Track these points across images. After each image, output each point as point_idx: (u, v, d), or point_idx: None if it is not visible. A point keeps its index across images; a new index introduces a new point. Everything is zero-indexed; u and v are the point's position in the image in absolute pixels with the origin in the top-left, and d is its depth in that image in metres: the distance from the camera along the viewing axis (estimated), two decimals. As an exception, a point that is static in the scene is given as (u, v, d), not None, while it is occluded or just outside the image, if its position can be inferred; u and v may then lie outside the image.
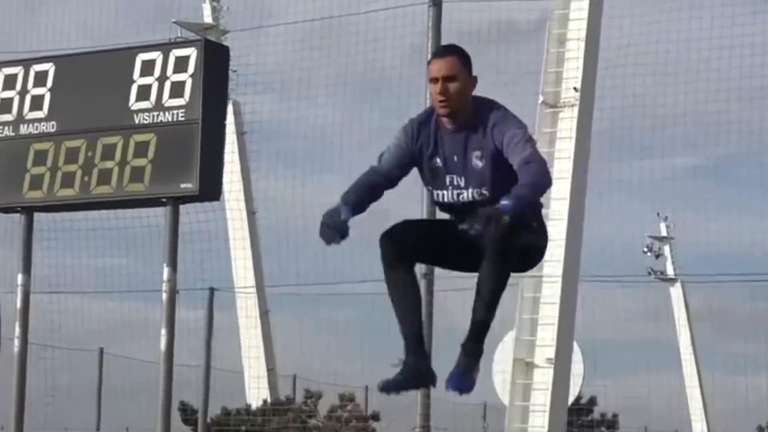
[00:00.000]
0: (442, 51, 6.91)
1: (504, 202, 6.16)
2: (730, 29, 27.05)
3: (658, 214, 40.83)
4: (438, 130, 6.73)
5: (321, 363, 27.49)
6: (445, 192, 6.74)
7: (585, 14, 25.47)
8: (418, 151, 6.75)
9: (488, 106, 6.73)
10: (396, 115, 25.98)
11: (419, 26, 17.88)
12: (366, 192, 6.76)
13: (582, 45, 25.50)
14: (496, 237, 6.16)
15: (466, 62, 6.73)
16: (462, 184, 6.66)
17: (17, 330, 16.88)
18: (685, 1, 24.96)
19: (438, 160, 6.72)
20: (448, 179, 6.70)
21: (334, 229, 6.54)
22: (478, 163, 6.61)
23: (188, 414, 27.45)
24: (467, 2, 23.99)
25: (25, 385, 17.38)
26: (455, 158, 6.66)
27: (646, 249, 40.77)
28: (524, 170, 6.39)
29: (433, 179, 6.77)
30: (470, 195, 6.64)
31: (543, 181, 6.46)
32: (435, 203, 6.94)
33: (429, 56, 17.06)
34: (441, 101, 6.61)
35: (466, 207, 6.54)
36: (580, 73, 25.32)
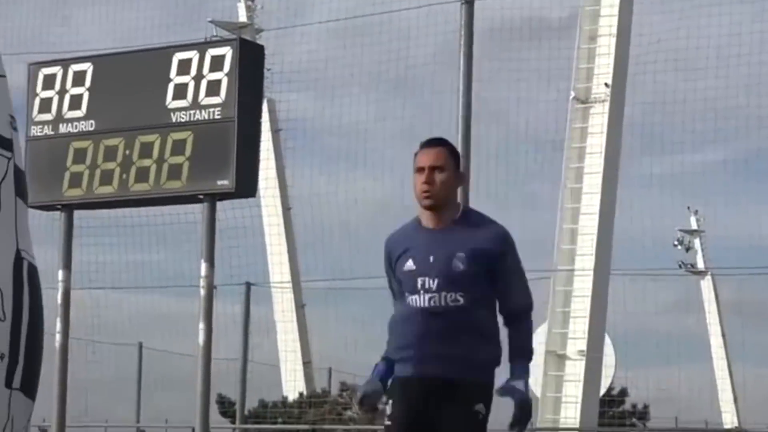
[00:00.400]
0: (430, 143, 6.37)
1: (522, 390, 6.17)
2: (761, 24, 27.01)
3: (688, 207, 40.79)
4: (416, 232, 6.31)
5: (356, 356, 27.45)
6: (416, 297, 6.18)
7: (616, 11, 25.44)
8: (395, 262, 6.32)
9: (489, 222, 6.33)
10: (428, 112, 26.06)
11: (452, 24, 17.81)
12: None
13: (613, 41, 25.44)
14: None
15: (453, 155, 6.37)
16: (434, 287, 6.14)
17: (58, 325, 16.99)
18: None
19: (410, 263, 6.23)
20: (419, 282, 6.18)
21: (367, 403, 6.36)
22: (460, 266, 6.14)
23: (226, 406, 27.55)
24: (499, 0, 24.05)
25: (66, 379, 17.48)
26: (431, 258, 6.18)
27: (676, 242, 40.72)
28: (525, 324, 6.28)
29: (404, 282, 6.27)
30: (442, 300, 6.13)
31: (533, 333, 6.36)
32: (403, 308, 6.28)
33: (461, 55, 17.16)
34: (425, 191, 6.20)
35: (436, 312, 6.13)
36: (611, 69, 25.30)
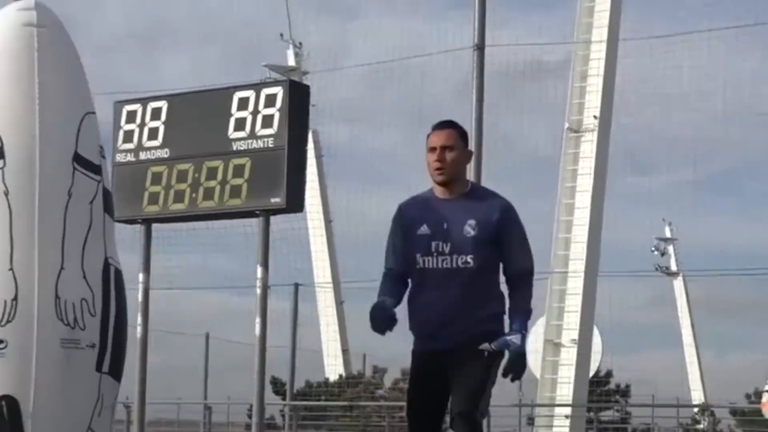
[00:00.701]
0: (441, 125, 5.99)
1: (517, 343, 5.67)
2: (725, 64, 26.92)
3: (663, 219, 40.97)
4: (429, 201, 5.93)
5: (386, 344, 27.38)
6: (429, 258, 5.80)
7: (603, 54, 25.41)
8: (408, 228, 5.90)
9: (495, 195, 5.98)
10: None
11: (466, 66, 17.76)
12: (396, 290, 5.96)
13: (600, 80, 25.43)
14: (513, 378, 5.77)
15: (462, 135, 6.00)
16: (447, 250, 5.77)
17: (139, 319, 16.98)
18: (687, 43, 24.79)
19: (425, 227, 5.83)
20: (433, 245, 5.79)
21: (383, 321, 5.83)
22: (471, 232, 5.76)
23: (278, 386, 27.51)
24: (505, 47, 24.00)
25: (146, 364, 17.45)
26: (445, 225, 5.80)
27: (653, 248, 40.70)
28: (525, 286, 5.85)
29: (418, 246, 5.84)
30: (454, 262, 5.76)
31: (532, 295, 5.91)
32: (420, 270, 5.84)
33: (474, 91, 17.12)
34: (438, 168, 5.84)
35: (449, 274, 5.76)
36: (599, 104, 25.27)
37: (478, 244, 5.74)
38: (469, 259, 5.74)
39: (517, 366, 5.71)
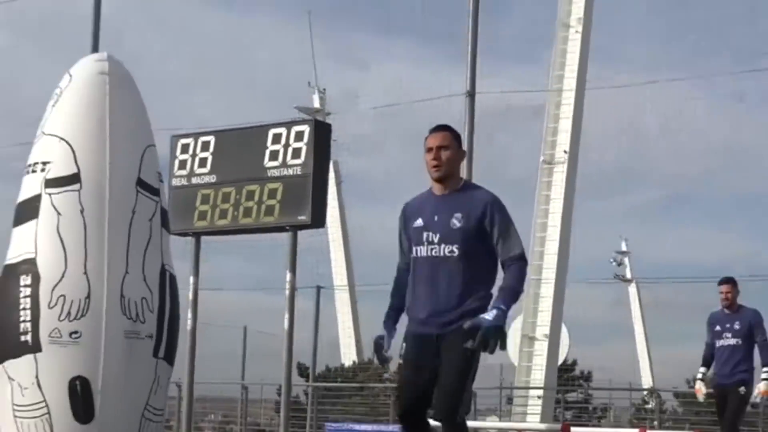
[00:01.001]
0: (437, 128, 5.54)
1: (488, 318, 5.09)
2: (674, 109, 26.97)
3: (620, 236, 40.93)
4: (428, 198, 5.47)
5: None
6: (421, 247, 5.34)
7: (572, 100, 25.42)
8: (407, 224, 5.47)
9: (483, 190, 5.50)
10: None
11: (460, 108, 17.78)
12: (402, 289, 5.52)
13: (569, 122, 25.45)
14: (489, 352, 5.15)
15: (456, 137, 5.54)
16: (435, 240, 5.29)
17: (189, 314, 17.00)
18: (641, 91, 24.82)
19: (420, 220, 5.37)
20: (425, 236, 5.33)
21: (380, 356, 5.53)
22: (456, 224, 5.27)
23: (302, 370, 27.38)
24: (492, 94, 24.00)
25: (195, 351, 17.45)
26: (436, 218, 5.34)
27: (612, 260, 40.59)
28: (513, 268, 5.27)
29: (413, 237, 5.39)
30: (441, 251, 5.27)
31: (522, 281, 5.33)
32: (414, 259, 5.39)
33: (465, 131, 17.09)
34: (434, 166, 5.39)
35: (437, 262, 5.28)
36: (568, 141, 25.27)
37: (463, 234, 5.26)
38: (454, 248, 5.25)
39: (490, 337, 5.09)
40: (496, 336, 5.09)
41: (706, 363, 10.53)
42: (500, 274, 5.36)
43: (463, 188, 5.45)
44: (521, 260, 5.30)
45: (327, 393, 24.44)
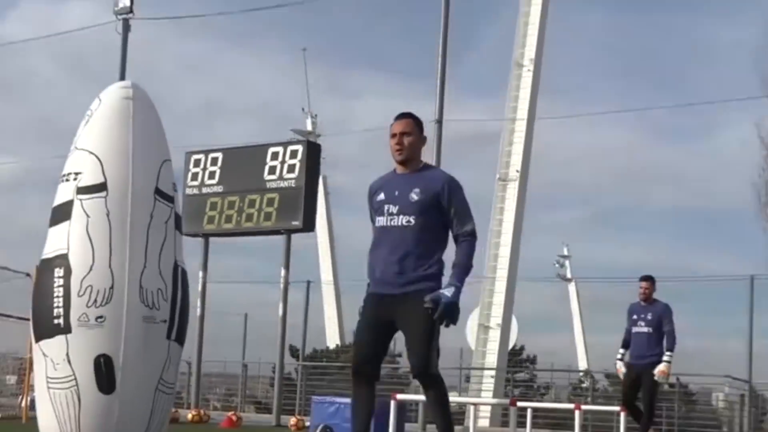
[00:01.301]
0: (401, 115, 5.25)
1: (447, 295, 4.86)
2: (610, 135, 27.05)
3: (562, 242, 41.19)
4: (391, 177, 5.22)
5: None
6: (381, 218, 5.10)
7: (524, 128, 25.51)
8: (372, 196, 5.21)
9: (441, 171, 5.33)
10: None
11: (429, 134, 17.82)
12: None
13: (521, 146, 25.54)
14: (446, 324, 4.92)
15: (418, 124, 5.24)
16: (395, 212, 5.05)
17: (198, 303, 16.98)
18: (581, 122, 24.95)
19: (382, 195, 5.13)
20: (386, 208, 5.08)
21: None
22: (414, 197, 5.03)
23: (294, 352, 27.28)
24: (456, 121, 24.10)
25: (203, 334, 17.40)
26: (396, 193, 5.09)
27: (555, 263, 40.83)
28: (465, 245, 5.03)
29: (376, 210, 5.13)
30: (399, 221, 5.02)
31: (472, 257, 5.06)
32: (376, 228, 5.15)
33: (434, 153, 17.13)
34: (397, 150, 5.14)
35: (394, 230, 5.03)
36: (520, 161, 25.35)
37: (419, 207, 5.01)
38: (411, 219, 5.01)
39: (449, 314, 4.88)
40: (453, 311, 4.90)
41: (625, 345, 10.77)
42: (452, 247, 5.13)
43: (423, 168, 5.21)
44: (472, 236, 5.06)
45: (314, 371, 24.40)
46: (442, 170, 5.33)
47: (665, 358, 10.24)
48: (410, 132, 5.15)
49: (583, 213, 56.90)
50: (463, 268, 4.99)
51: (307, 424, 14.49)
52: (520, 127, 25.33)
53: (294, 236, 16.62)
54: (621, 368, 10.66)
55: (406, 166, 5.17)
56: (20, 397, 14.72)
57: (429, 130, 18.22)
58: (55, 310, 6.07)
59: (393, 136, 5.16)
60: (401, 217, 5.04)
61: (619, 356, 10.74)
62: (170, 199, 6.52)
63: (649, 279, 10.65)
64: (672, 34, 51.29)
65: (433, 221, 5.03)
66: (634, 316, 10.57)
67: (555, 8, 26.25)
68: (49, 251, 6.25)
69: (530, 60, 25.51)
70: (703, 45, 51.84)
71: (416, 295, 4.91)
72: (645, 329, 10.43)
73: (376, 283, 5.10)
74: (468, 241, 5.03)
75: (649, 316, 10.44)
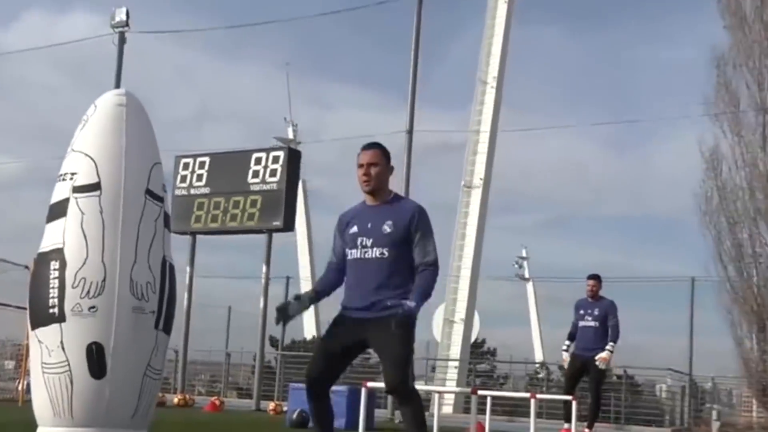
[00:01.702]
0: (368, 146, 4.97)
1: (409, 303, 4.61)
2: (567, 147, 27.12)
3: (521, 244, 41.43)
4: (362, 209, 4.96)
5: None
6: (355, 251, 4.86)
7: (487, 139, 25.65)
8: (343, 231, 4.97)
9: (411, 201, 5.04)
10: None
11: (401, 143, 17.82)
12: (328, 279, 5.11)
13: (485, 156, 25.67)
14: (405, 339, 4.67)
15: (385, 154, 4.96)
16: (368, 244, 4.81)
17: (185, 296, 16.89)
18: (540, 134, 25.06)
19: (355, 228, 4.89)
20: (359, 240, 4.84)
21: (281, 316, 5.06)
22: (387, 229, 4.78)
23: (273, 342, 27.26)
24: (426, 132, 24.17)
25: (189, 325, 17.31)
26: (369, 225, 4.85)
27: (514, 263, 41.04)
28: (426, 273, 4.77)
29: (348, 242, 4.90)
30: (373, 254, 4.81)
31: (431, 286, 4.79)
32: (349, 261, 4.91)
33: (405, 163, 17.15)
34: (365, 181, 4.87)
35: (370, 262, 4.82)
36: (483, 170, 25.46)
37: (392, 240, 4.78)
38: (384, 251, 4.77)
39: (404, 316, 4.62)
40: (411, 323, 4.67)
41: (571, 338, 10.90)
42: None
43: (393, 200, 4.94)
44: (433, 266, 4.80)
45: (292, 360, 24.34)
46: (412, 200, 5.07)
47: (608, 347, 10.37)
48: (377, 162, 4.88)
49: (541, 218, 57.33)
50: (423, 290, 4.71)
51: (285, 409, 14.48)
52: (484, 138, 25.47)
53: (275, 235, 16.59)
54: (566, 358, 10.77)
55: (375, 197, 4.91)
56: (17, 381, 14.59)
57: (401, 140, 18.23)
58: (51, 300, 6.01)
59: (360, 166, 4.88)
60: (375, 249, 4.80)
61: (564, 347, 10.85)
62: (160, 199, 6.47)
63: (596, 277, 10.78)
64: (619, 55, 51.78)
65: (405, 251, 4.80)
66: (581, 311, 10.69)
67: (517, 27, 26.44)
68: (46, 245, 6.19)
69: (494, 77, 25.68)
70: (648, 64, 52.40)
71: (390, 315, 4.65)
72: (592, 323, 10.55)
73: (352, 310, 4.86)
74: (429, 270, 4.77)
75: (596, 312, 10.57)
